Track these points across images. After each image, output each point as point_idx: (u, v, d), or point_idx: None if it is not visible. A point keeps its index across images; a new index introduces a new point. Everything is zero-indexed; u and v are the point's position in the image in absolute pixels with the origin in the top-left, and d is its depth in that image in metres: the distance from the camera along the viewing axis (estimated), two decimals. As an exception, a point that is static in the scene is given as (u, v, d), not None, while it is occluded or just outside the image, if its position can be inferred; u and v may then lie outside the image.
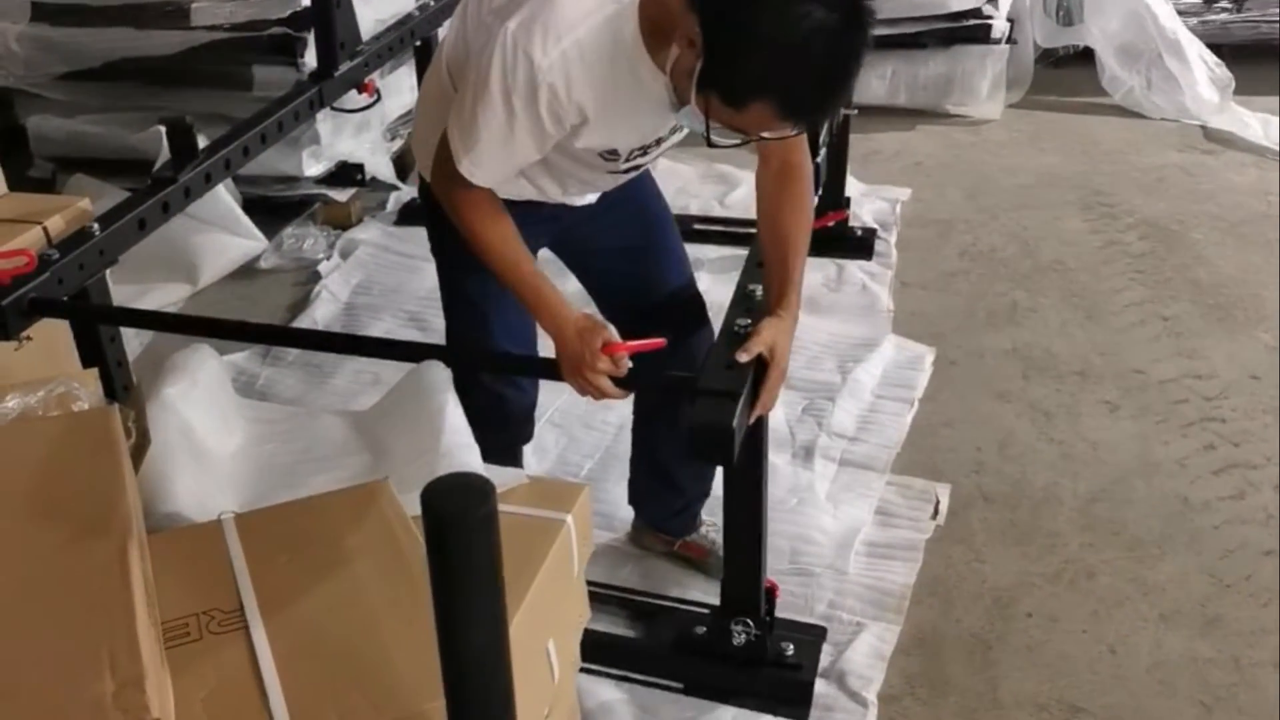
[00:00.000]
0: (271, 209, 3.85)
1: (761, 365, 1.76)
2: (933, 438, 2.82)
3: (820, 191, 3.16)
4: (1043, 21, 5.02)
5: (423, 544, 0.93)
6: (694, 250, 2.32)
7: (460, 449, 1.64)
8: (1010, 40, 4.80)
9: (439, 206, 1.89)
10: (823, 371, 3.04)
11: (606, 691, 2.12)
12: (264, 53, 3.63)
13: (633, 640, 2.25)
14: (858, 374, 3.01)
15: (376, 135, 4.06)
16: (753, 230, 1.99)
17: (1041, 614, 2.30)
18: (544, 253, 2.06)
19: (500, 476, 1.62)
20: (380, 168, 4.03)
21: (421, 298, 3.41)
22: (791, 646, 2.13)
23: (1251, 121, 4.51)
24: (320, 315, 3.42)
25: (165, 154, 2.47)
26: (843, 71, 1.50)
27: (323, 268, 3.67)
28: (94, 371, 1.90)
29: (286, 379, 3.09)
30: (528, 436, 2.27)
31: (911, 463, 2.73)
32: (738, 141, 1.60)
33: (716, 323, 1.96)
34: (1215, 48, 4.81)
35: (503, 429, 2.11)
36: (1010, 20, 4.81)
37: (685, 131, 1.80)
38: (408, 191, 4.04)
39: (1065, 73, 5.06)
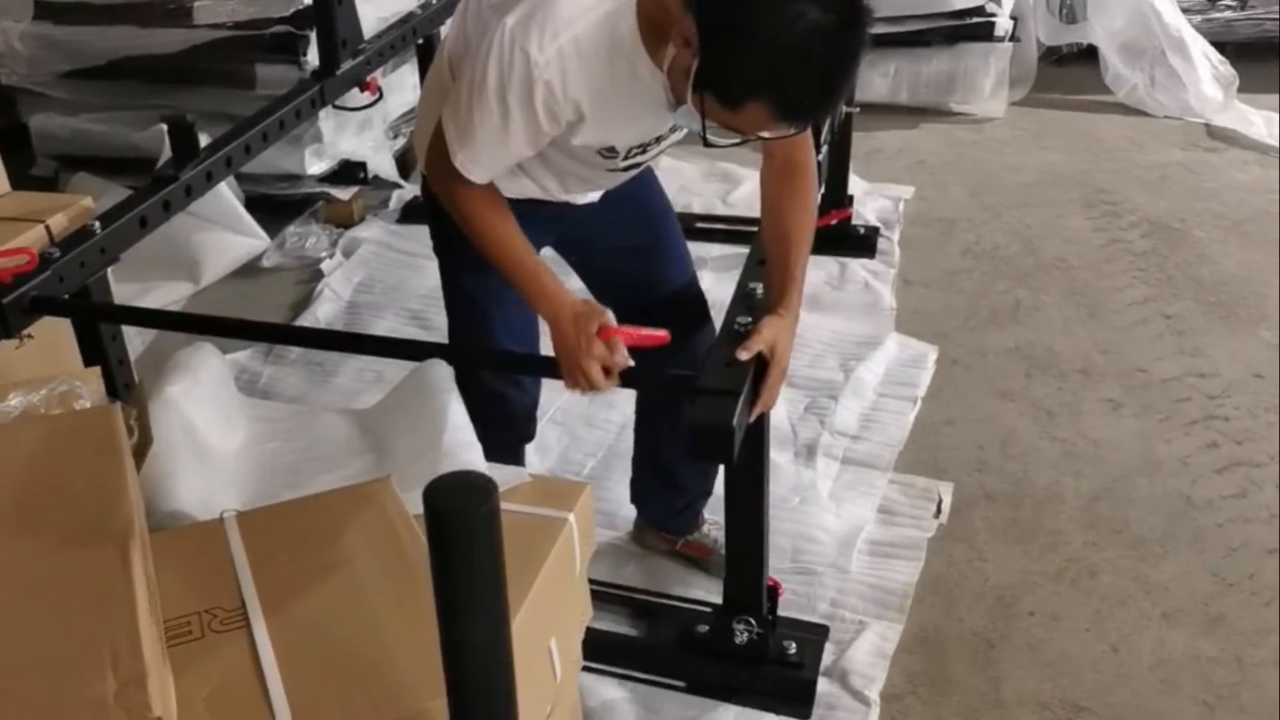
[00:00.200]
0: (274, 207, 3.85)
1: (762, 363, 1.76)
2: (935, 436, 2.81)
3: (822, 189, 3.16)
4: (1046, 19, 5.01)
5: (425, 543, 0.93)
6: (696, 248, 2.32)
7: (463, 448, 1.64)
8: (1013, 38, 4.80)
9: (441, 204, 1.89)
10: (825, 370, 3.04)
11: (609, 690, 2.12)
12: (266, 51, 3.64)
13: (635, 639, 2.25)
14: (860, 372, 3.01)
15: (379, 133, 4.06)
16: (755, 229, 1.99)
17: (1044, 613, 2.30)
18: (547, 251, 2.06)
19: (502, 475, 1.63)
20: (383, 166, 4.03)
21: (424, 296, 3.41)
22: (794, 645, 2.13)
23: (1255, 119, 4.51)
24: (323, 313, 3.43)
25: (167, 152, 2.47)
26: (839, 72, 1.49)
27: (325, 266, 3.67)
28: (96, 370, 1.91)
29: (289, 377, 3.09)
30: (530, 435, 2.27)
31: (914, 461, 2.72)
32: (735, 141, 1.60)
33: (719, 321, 1.95)
34: (1219, 45, 4.81)
35: (505, 428, 2.11)
36: (1013, 18, 4.81)
37: (685, 131, 1.80)
38: (410, 190, 4.04)
39: (1068, 70, 5.06)
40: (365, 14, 3.05)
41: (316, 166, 3.84)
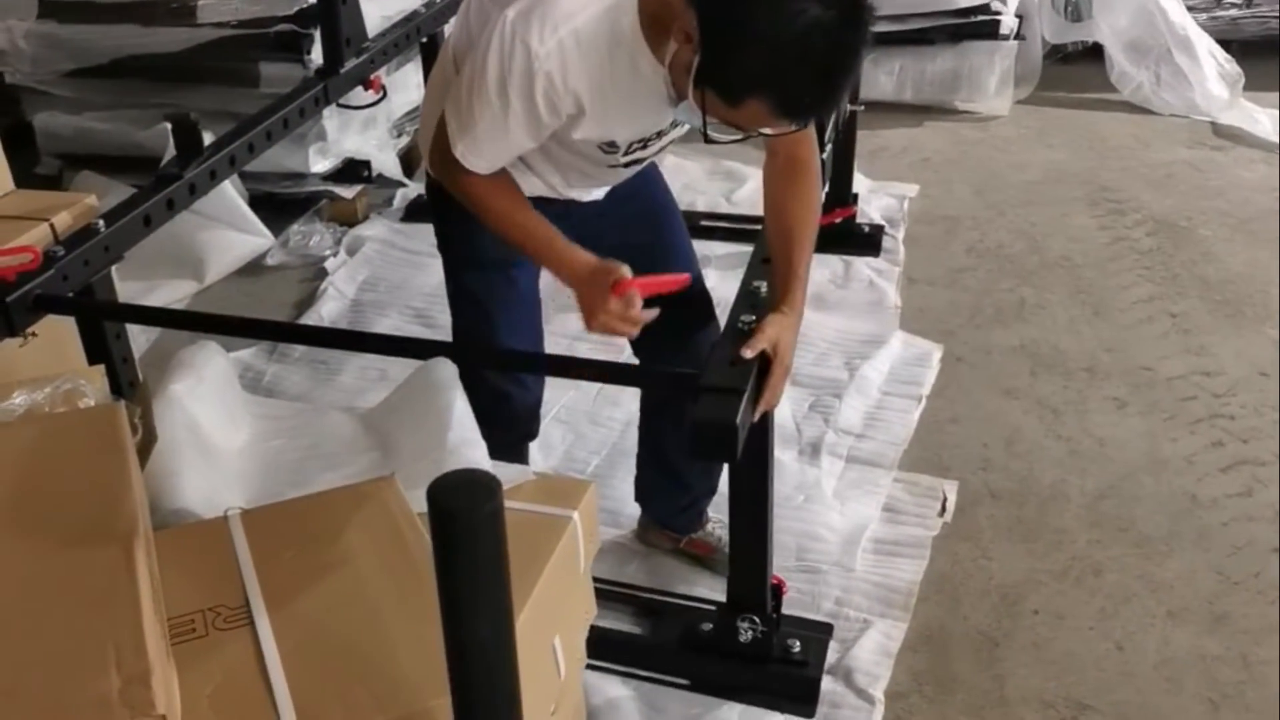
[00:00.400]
0: (278, 206, 3.85)
1: (765, 361, 1.76)
2: (940, 434, 2.81)
3: (827, 188, 3.15)
4: (1051, 17, 5.00)
5: (429, 541, 0.93)
6: (701, 247, 2.32)
7: (467, 446, 1.64)
8: (1018, 36, 4.79)
9: (445, 202, 1.89)
10: (830, 368, 3.03)
11: (613, 688, 2.12)
12: (270, 49, 3.64)
13: (639, 637, 2.25)
14: (865, 371, 3.00)
15: (383, 132, 4.06)
16: (759, 227, 1.99)
17: (1048, 611, 2.29)
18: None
19: (506, 473, 1.63)
20: (387, 164, 4.03)
21: (428, 294, 3.41)
22: (798, 643, 2.13)
23: (1261, 117, 4.50)
24: (327, 312, 3.43)
25: (171, 150, 2.47)
26: (840, 68, 1.49)
27: (329, 264, 3.67)
28: (100, 368, 1.91)
29: (293, 375, 3.09)
30: (534, 433, 2.26)
31: (919, 459, 2.72)
32: (736, 137, 1.60)
33: (723, 319, 1.95)
34: (1224, 43, 4.80)
35: (508, 426, 2.11)
36: (1019, 16, 4.80)
37: (686, 127, 1.80)
38: (414, 188, 4.04)
39: (1074, 69, 5.05)
40: (369, 12, 3.04)
41: (320, 165, 3.84)
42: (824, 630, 2.22)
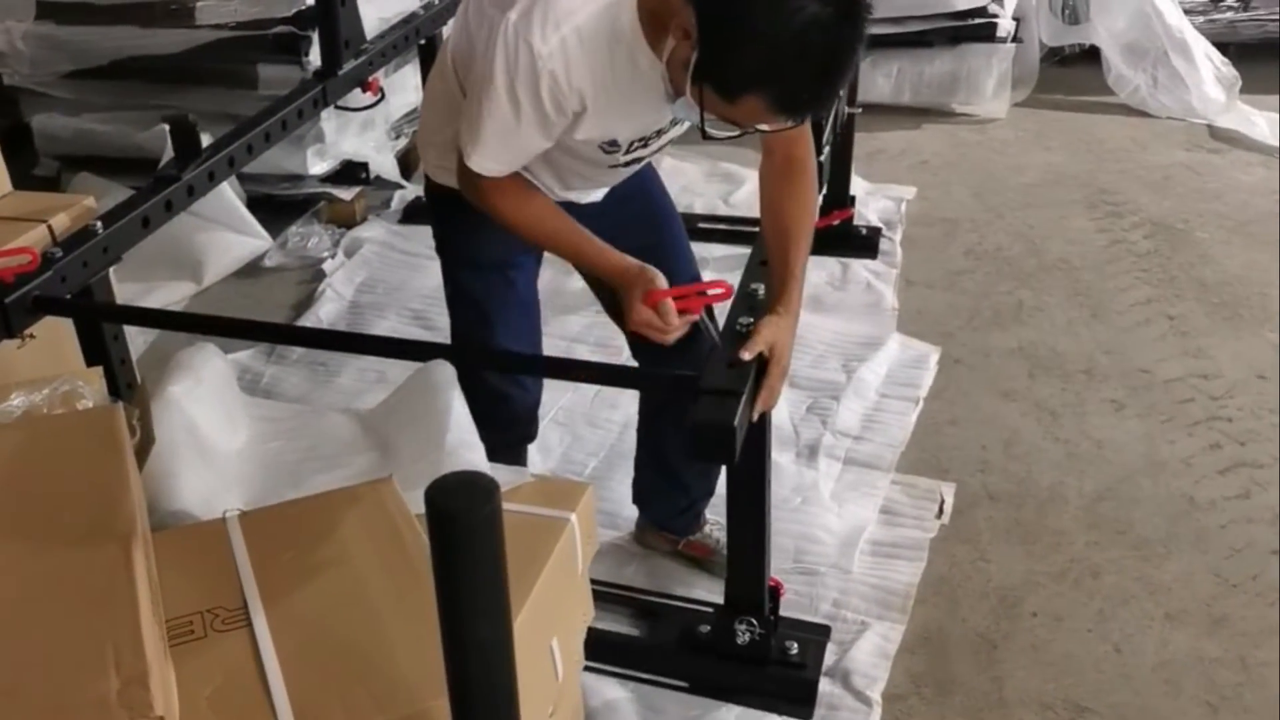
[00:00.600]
0: (276, 207, 3.86)
1: (763, 363, 1.76)
2: (938, 436, 2.81)
3: (824, 190, 3.16)
4: (1048, 20, 5.01)
5: (427, 542, 0.93)
6: (699, 249, 2.32)
7: (465, 447, 1.64)
8: (1016, 39, 4.80)
9: (443, 204, 1.89)
10: (827, 370, 3.03)
11: (611, 690, 2.12)
12: (269, 51, 3.64)
13: (637, 639, 2.25)
14: (862, 373, 3.00)
15: (381, 134, 4.06)
16: (757, 229, 1.99)
17: (1047, 613, 2.29)
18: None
19: (505, 475, 1.63)
20: (385, 166, 4.03)
21: (426, 296, 3.41)
22: (796, 645, 2.13)
23: (1258, 120, 4.51)
24: (325, 313, 3.43)
25: (169, 152, 2.47)
26: (837, 65, 1.49)
27: (327, 266, 3.67)
28: (98, 370, 1.91)
29: (291, 377, 3.09)
30: (532, 435, 2.26)
31: (916, 462, 2.72)
32: (733, 134, 1.60)
33: (721, 321, 1.95)
34: (1222, 46, 4.81)
35: (506, 428, 2.11)
36: (1016, 19, 4.81)
37: (686, 125, 1.80)
38: (412, 190, 4.04)
39: (1071, 71, 5.06)
40: (367, 14, 3.05)
41: (319, 167, 3.85)
42: (822, 632, 2.22)
